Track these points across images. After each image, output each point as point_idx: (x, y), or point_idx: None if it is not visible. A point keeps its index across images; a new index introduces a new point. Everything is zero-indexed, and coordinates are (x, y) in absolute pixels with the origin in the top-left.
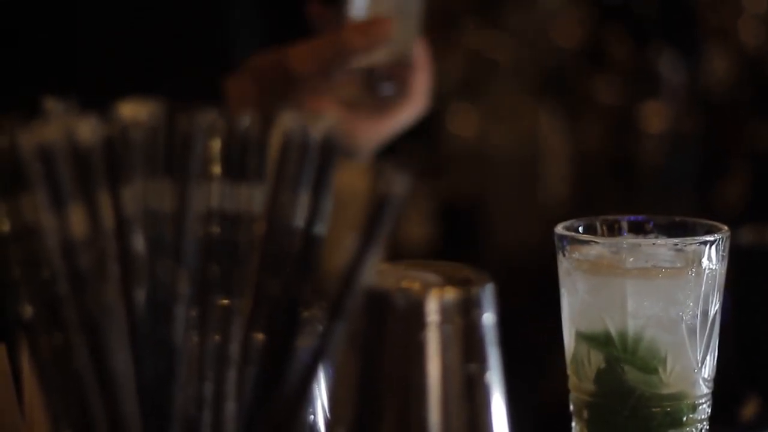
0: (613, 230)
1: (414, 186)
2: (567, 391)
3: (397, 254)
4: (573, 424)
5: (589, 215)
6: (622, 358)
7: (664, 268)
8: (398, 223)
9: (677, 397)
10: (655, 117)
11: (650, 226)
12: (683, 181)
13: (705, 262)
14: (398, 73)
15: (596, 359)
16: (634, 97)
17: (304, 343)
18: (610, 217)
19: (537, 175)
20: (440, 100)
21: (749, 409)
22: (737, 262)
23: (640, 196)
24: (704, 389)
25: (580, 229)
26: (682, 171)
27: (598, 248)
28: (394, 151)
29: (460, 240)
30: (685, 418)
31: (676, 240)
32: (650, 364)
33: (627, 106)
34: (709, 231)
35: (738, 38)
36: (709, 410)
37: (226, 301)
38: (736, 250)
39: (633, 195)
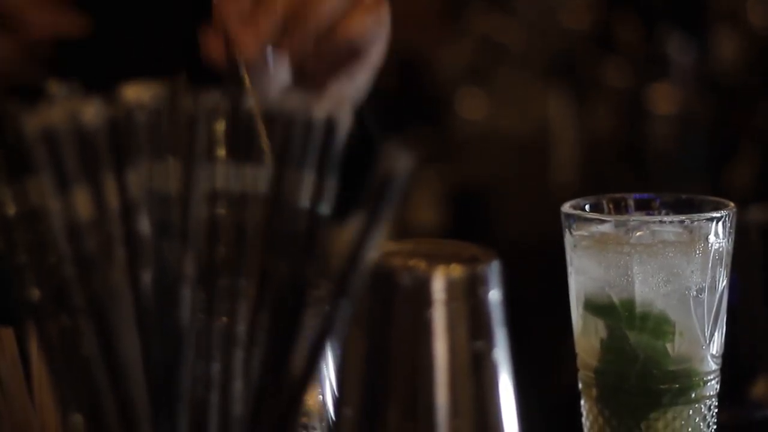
0: (620, 208)
1: (423, 170)
2: (576, 370)
3: (407, 237)
4: (582, 402)
5: (598, 195)
6: (630, 335)
7: (671, 244)
8: (408, 207)
9: (685, 374)
10: (665, 100)
11: (657, 203)
12: (693, 164)
13: (712, 238)
14: None
15: (604, 337)
16: (643, 80)
17: (311, 322)
18: (617, 195)
19: (546, 158)
20: (449, 85)
21: (759, 387)
22: (746, 241)
23: (649, 178)
24: (712, 365)
25: (587, 207)
26: (692, 153)
27: (605, 226)
28: (402, 134)
29: (469, 224)
30: (693, 395)
31: (682, 216)
32: (658, 341)
33: (636, 89)
34: (716, 208)
35: (747, 20)
36: (718, 387)
37: (232, 282)
38: (745, 229)
39: (643, 178)
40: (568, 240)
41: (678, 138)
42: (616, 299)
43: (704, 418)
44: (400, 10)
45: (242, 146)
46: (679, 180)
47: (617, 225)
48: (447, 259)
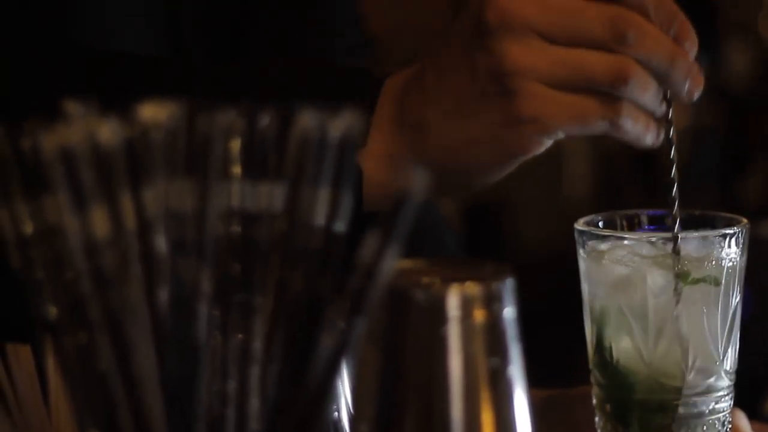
0: (633, 224)
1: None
2: (590, 386)
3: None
4: (596, 418)
5: (612, 211)
6: (644, 350)
7: (684, 261)
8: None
9: (699, 389)
10: (677, 113)
11: (670, 219)
12: (705, 176)
13: (725, 254)
14: None
15: (618, 353)
16: None
17: (327, 339)
18: (630, 212)
19: (559, 173)
20: None
21: None
22: (759, 256)
23: (662, 191)
24: (726, 381)
25: (600, 224)
26: (704, 166)
27: (619, 242)
28: None
29: (483, 240)
30: (707, 410)
31: (695, 233)
32: (672, 356)
33: None
34: (729, 224)
35: (758, 32)
36: (732, 402)
37: (248, 300)
38: (757, 244)
39: (655, 190)
40: (582, 256)
41: (690, 151)
42: (629, 315)
43: None
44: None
45: (257, 164)
46: (692, 193)
47: (631, 241)
48: (461, 276)
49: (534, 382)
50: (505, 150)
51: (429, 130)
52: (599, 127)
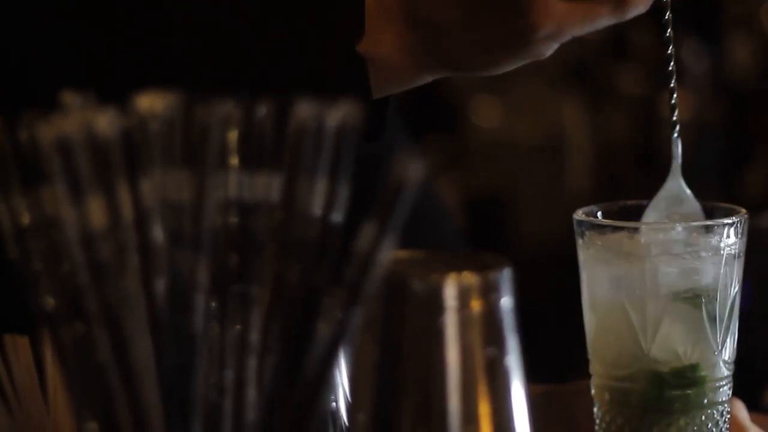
0: (632, 215)
1: (437, 178)
2: (588, 376)
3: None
4: (595, 408)
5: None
6: (642, 341)
7: (683, 251)
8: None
9: (698, 380)
10: (679, 106)
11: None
12: (707, 170)
13: (724, 244)
14: None
15: (617, 344)
16: (657, 86)
17: (324, 329)
18: (630, 202)
19: (561, 165)
20: (464, 92)
21: None
22: (758, 247)
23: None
24: (725, 371)
25: (599, 214)
26: (706, 159)
27: (617, 233)
28: (417, 141)
29: (483, 231)
30: (705, 401)
31: (694, 223)
32: (670, 347)
33: (650, 95)
34: (728, 214)
35: (761, 26)
36: (730, 393)
37: (245, 290)
38: (757, 235)
39: (657, 184)
40: (581, 246)
41: (692, 144)
42: (628, 305)
43: (717, 424)
44: None
45: (254, 155)
46: (693, 186)
47: (629, 231)
48: (459, 266)
49: (532, 378)
50: (517, 55)
51: (442, 32)
52: (607, 24)
